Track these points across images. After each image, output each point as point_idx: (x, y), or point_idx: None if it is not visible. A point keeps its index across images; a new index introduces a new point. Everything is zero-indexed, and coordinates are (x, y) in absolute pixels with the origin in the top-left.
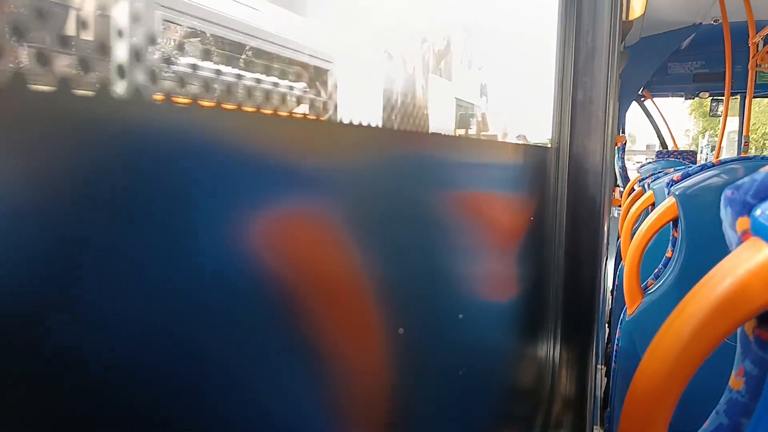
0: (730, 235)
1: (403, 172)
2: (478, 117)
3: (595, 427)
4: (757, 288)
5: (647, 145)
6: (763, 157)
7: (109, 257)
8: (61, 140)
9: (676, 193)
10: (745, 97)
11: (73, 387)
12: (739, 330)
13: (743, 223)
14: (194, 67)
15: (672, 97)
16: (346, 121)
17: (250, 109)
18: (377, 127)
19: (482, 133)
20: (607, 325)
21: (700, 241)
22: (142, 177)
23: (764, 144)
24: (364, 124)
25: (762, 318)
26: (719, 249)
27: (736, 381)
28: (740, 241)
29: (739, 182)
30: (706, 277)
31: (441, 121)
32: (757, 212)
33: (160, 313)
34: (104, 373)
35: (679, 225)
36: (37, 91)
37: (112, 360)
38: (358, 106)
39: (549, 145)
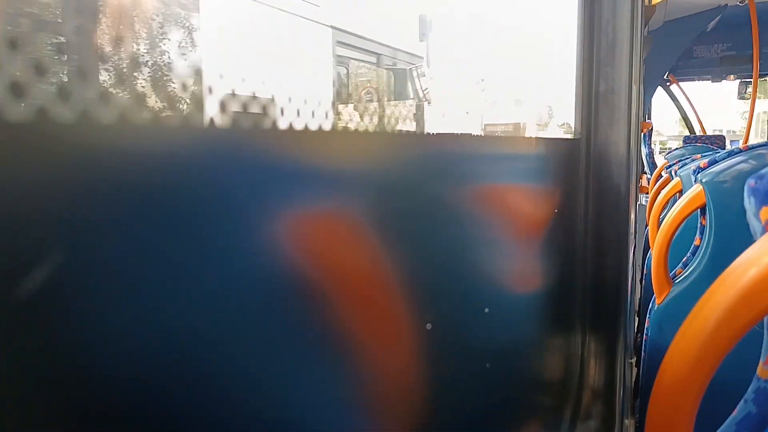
0: (754, 225)
1: (431, 172)
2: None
3: (625, 418)
4: None
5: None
6: None
7: (130, 263)
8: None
9: (703, 180)
10: None
11: (85, 386)
12: (765, 319)
13: (767, 212)
14: None
15: (698, 80)
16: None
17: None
18: (406, 132)
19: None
20: (636, 314)
21: (728, 228)
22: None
23: None
24: (396, 130)
25: None
26: (748, 236)
27: (764, 369)
28: (764, 231)
29: (763, 171)
30: (731, 266)
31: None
32: None
33: (195, 316)
34: (118, 374)
35: (707, 212)
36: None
37: (127, 362)
38: None
39: (573, 137)
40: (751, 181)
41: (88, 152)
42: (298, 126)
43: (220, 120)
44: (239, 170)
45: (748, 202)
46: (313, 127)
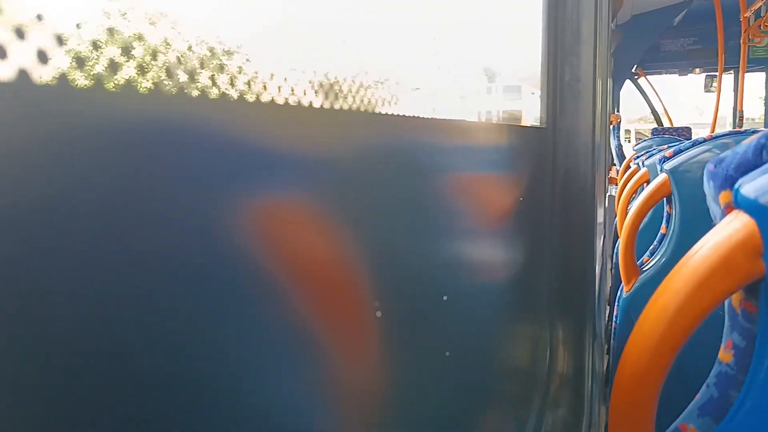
0: (713, 209)
1: (389, 156)
2: None
3: (595, 405)
4: (740, 261)
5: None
6: (755, 131)
7: (106, 255)
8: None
9: (668, 169)
10: (738, 72)
11: (78, 387)
12: (726, 303)
13: (726, 196)
14: None
15: (666, 74)
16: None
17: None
18: (361, 111)
19: None
20: (608, 303)
21: (692, 216)
22: (138, 171)
23: None
24: (344, 108)
25: (748, 290)
26: (711, 224)
27: (725, 354)
28: (723, 215)
29: (721, 156)
30: (691, 251)
31: None
32: (739, 185)
33: (160, 308)
34: (104, 373)
35: (672, 201)
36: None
37: (111, 359)
38: None
39: (539, 126)
40: (710, 166)
41: (67, 115)
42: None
43: None
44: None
45: (708, 187)
46: (264, 99)
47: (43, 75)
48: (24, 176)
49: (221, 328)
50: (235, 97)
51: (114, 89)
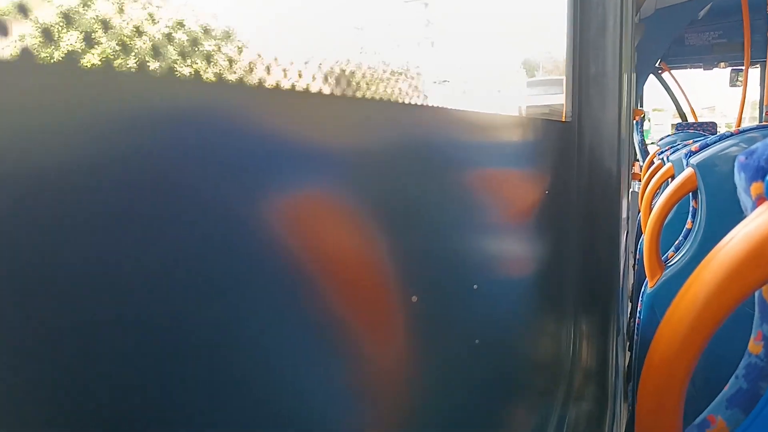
0: (744, 201)
1: (420, 148)
2: None
3: (618, 401)
4: None
5: None
6: None
7: (116, 250)
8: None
9: (695, 163)
10: (765, 66)
11: (81, 386)
12: (756, 294)
13: (757, 188)
14: None
15: (690, 68)
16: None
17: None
18: (390, 101)
19: None
20: (630, 299)
21: (719, 210)
22: (145, 169)
23: None
24: (376, 98)
25: None
26: (739, 218)
27: (755, 345)
28: (755, 206)
29: (753, 147)
30: (721, 242)
31: None
32: None
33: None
34: (110, 374)
35: (699, 196)
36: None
37: (119, 360)
38: None
39: (564, 120)
40: (741, 158)
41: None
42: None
43: None
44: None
45: (739, 178)
46: (291, 87)
47: (50, 56)
48: (30, 173)
49: (256, 322)
50: (254, 83)
51: (122, 71)
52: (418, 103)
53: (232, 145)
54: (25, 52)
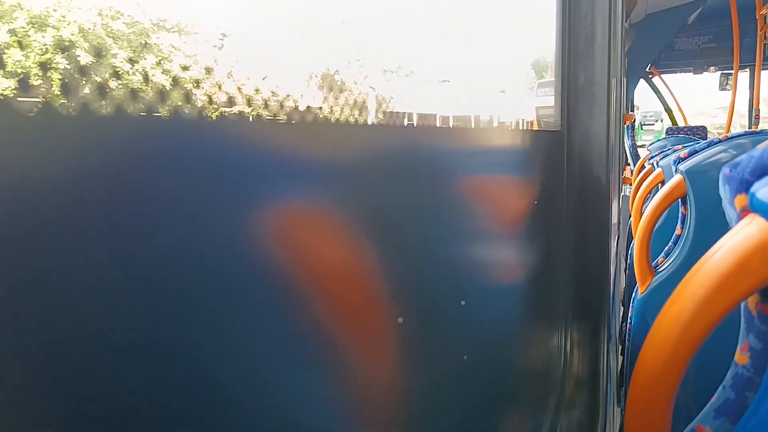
0: (729, 213)
1: (408, 163)
2: None
3: (610, 407)
4: (756, 264)
5: None
6: None
7: (112, 261)
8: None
9: (683, 169)
10: (754, 69)
11: (81, 386)
12: (742, 306)
13: (742, 200)
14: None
15: (680, 72)
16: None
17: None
18: (379, 125)
19: None
20: (622, 304)
21: (708, 217)
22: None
23: None
24: (372, 123)
25: (764, 293)
26: (728, 224)
27: (741, 356)
28: (739, 218)
29: (737, 159)
30: (706, 254)
31: None
32: (755, 189)
33: (167, 313)
34: (106, 376)
35: (687, 202)
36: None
37: (116, 361)
38: None
39: (553, 129)
40: (725, 170)
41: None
42: (280, 118)
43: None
44: (219, 162)
45: (723, 191)
46: (288, 118)
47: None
48: (30, 179)
49: (244, 334)
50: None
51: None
52: (406, 124)
53: (224, 158)
54: None
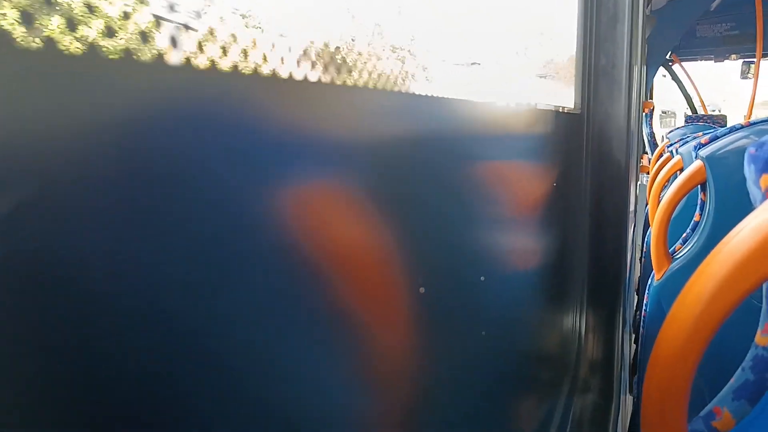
0: (754, 192)
1: (429, 138)
2: None
3: (623, 393)
4: None
5: None
6: None
7: (116, 246)
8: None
9: (704, 155)
10: None
11: (86, 386)
12: (764, 286)
13: (767, 179)
14: None
15: (701, 60)
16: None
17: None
18: (399, 91)
19: None
20: (636, 292)
21: (728, 203)
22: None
23: None
24: (381, 87)
25: None
26: (747, 211)
27: (762, 337)
28: (764, 198)
29: (763, 139)
30: (730, 233)
31: None
32: None
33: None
34: (115, 370)
35: (707, 188)
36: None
37: (124, 357)
38: None
39: (573, 111)
40: (751, 149)
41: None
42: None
43: None
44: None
45: (748, 170)
46: (299, 77)
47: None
48: (27, 172)
49: (260, 312)
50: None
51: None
52: (428, 94)
53: (235, 136)
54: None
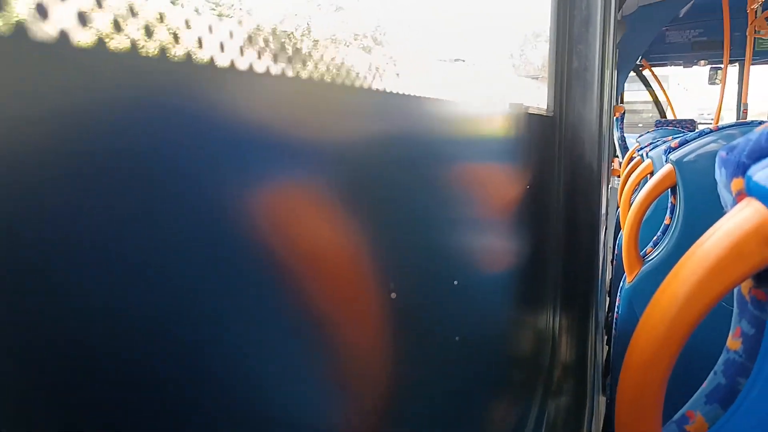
0: (725, 196)
1: (398, 138)
2: None
3: (596, 395)
4: (752, 248)
5: None
6: (761, 122)
7: (107, 244)
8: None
9: (674, 159)
10: (743, 64)
11: (80, 384)
12: (735, 291)
13: (738, 183)
14: None
15: (670, 65)
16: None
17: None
18: (368, 88)
19: None
20: (607, 294)
21: (698, 206)
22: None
23: None
24: (360, 85)
25: (758, 278)
26: (717, 214)
27: (733, 341)
28: (735, 202)
29: (734, 143)
30: (701, 238)
31: None
32: (752, 172)
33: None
34: (108, 372)
35: (677, 192)
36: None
37: (115, 357)
38: None
39: (546, 114)
40: (722, 153)
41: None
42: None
43: None
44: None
45: (719, 174)
46: (273, 71)
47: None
48: (26, 173)
49: (234, 317)
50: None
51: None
52: (399, 93)
53: (207, 135)
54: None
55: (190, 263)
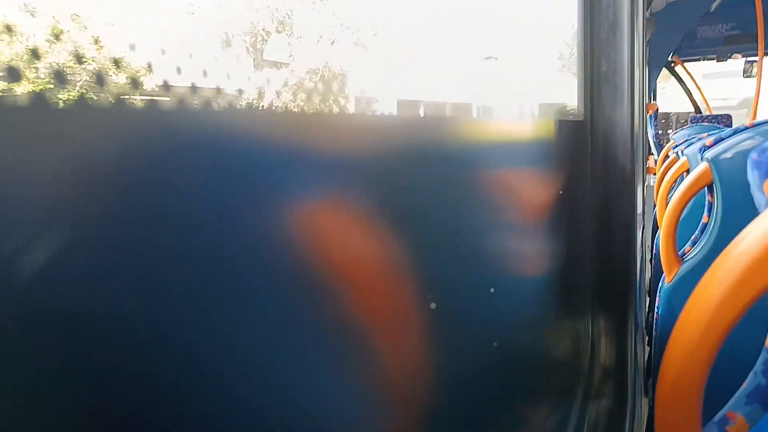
0: (758, 198)
1: (435, 155)
2: None
3: (638, 397)
4: None
5: None
6: None
7: (118, 257)
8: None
9: (709, 157)
10: None
11: (84, 388)
12: None
13: None
14: None
15: (703, 60)
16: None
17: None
18: (406, 117)
19: None
20: (647, 294)
21: (735, 204)
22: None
23: None
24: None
25: None
26: (755, 211)
27: None
28: None
29: (766, 144)
30: (736, 239)
31: None
32: None
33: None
34: (112, 373)
35: (714, 190)
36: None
37: (119, 360)
38: None
39: (576, 119)
40: (753, 155)
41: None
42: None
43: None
44: (234, 153)
45: (751, 176)
46: (309, 110)
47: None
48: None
49: (272, 332)
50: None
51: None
52: (436, 116)
53: (244, 153)
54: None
55: (228, 277)
